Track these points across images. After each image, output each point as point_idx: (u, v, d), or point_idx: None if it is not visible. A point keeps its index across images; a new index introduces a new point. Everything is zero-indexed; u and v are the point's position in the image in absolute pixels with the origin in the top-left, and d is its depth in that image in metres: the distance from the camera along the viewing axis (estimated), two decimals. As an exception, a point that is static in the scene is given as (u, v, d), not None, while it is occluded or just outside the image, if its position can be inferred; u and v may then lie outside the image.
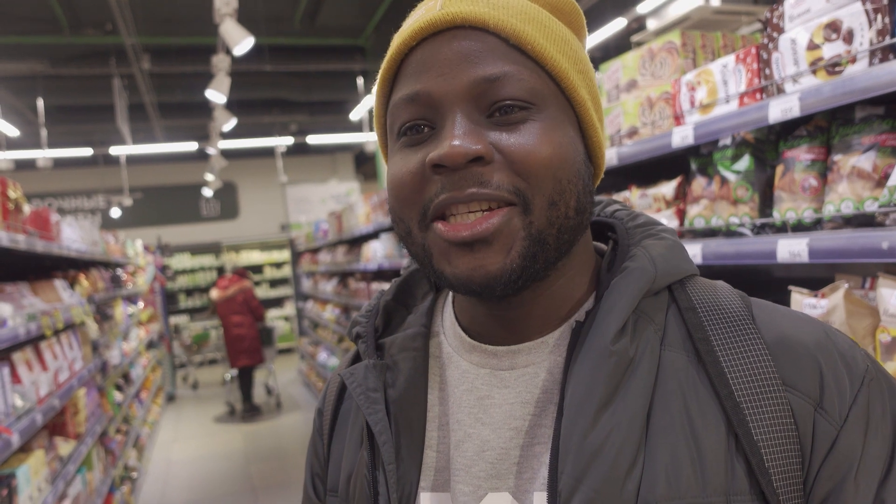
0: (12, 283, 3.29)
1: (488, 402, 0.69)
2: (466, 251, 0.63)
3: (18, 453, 2.83)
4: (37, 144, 10.70)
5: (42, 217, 3.56)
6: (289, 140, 12.92)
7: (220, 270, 13.95)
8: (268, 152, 13.72)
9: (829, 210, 1.49)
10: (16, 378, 2.77)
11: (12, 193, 2.92)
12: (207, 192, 13.76)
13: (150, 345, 8.71)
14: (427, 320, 0.78)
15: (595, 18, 8.29)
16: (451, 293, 0.79)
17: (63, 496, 3.30)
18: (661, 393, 0.62)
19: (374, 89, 0.71)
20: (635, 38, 4.40)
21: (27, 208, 3.23)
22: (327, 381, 0.87)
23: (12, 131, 9.86)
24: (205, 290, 14.04)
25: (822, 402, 0.60)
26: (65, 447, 3.36)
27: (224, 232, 14.33)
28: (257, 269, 14.27)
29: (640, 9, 7.45)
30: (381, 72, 0.69)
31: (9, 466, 2.63)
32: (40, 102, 9.45)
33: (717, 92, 1.77)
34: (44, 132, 9.90)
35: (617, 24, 7.90)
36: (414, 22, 0.66)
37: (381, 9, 8.38)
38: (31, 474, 2.71)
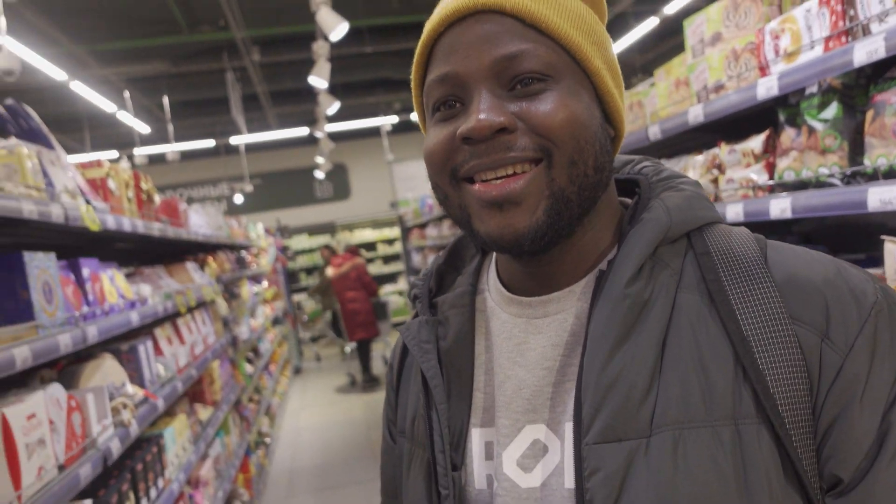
0: (150, 266, 3.68)
1: (524, 347, 0.78)
2: (496, 211, 0.70)
3: (164, 417, 3.19)
4: (165, 139, 11.60)
5: (171, 206, 3.92)
6: (394, 119, 13.22)
7: (330, 249, 14.60)
8: (374, 132, 14.11)
9: (922, 154, 1.43)
10: (158, 350, 3.11)
11: (144, 185, 3.25)
12: (320, 175, 14.37)
13: (276, 321, 9.32)
14: (474, 279, 0.87)
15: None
16: (494, 255, 0.87)
17: (205, 456, 3.68)
18: (675, 331, 0.68)
19: (412, 72, 0.80)
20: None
21: (158, 199, 3.58)
22: (395, 341, 0.98)
23: (144, 129, 10.75)
24: (323, 268, 14.75)
25: (829, 333, 0.65)
26: (203, 412, 3.74)
27: (338, 212, 14.95)
28: (371, 246, 14.80)
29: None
30: (415, 56, 0.78)
31: (157, 428, 2.98)
32: (166, 100, 10.22)
33: (801, 38, 1.71)
34: (170, 127, 10.70)
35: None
36: (441, 10, 0.74)
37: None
38: (176, 435, 3.05)
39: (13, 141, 2.01)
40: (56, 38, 8.18)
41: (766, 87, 1.80)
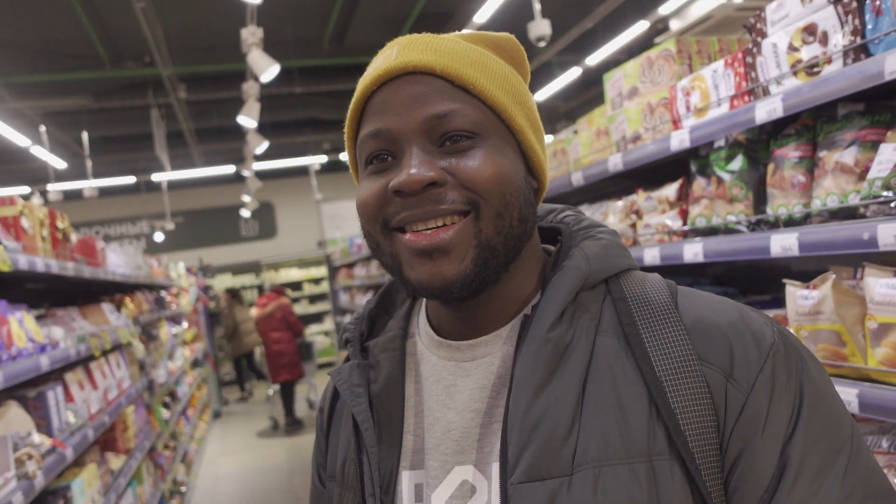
0: (63, 307, 3.50)
1: (453, 390, 0.80)
2: (426, 259, 0.74)
3: (73, 467, 3.01)
4: (83, 175, 11.16)
5: (88, 245, 3.77)
6: (322, 158, 13.19)
7: (260, 289, 14.28)
8: (302, 171, 14.03)
9: (816, 205, 1.55)
10: (68, 396, 2.95)
11: (60, 224, 3.13)
12: (245, 213, 14.11)
13: (195, 363, 8.98)
14: (404, 323, 0.89)
15: (617, 22, 8.32)
16: (424, 300, 0.90)
17: (116, 508, 3.48)
18: (594, 372, 0.72)
19: (346, 126, 0.83)
20: (658, 39, 4.45)
21: (74, 237, 3.44)
22: (327, 384, 0.98)
23: (60, 164, 10.32)
24: (247, 308, 14.37)
25: (733, 373, 0.70)
26: (115, 461, 3.55)
27: (263, 251, 14.67)
28: (296, 285, 14.56)
29: (663, 10, 7.46)
30: (349, 111, 0.81)
31: (64, 479, 2.80)
32: (85, 135, 9.87)
33: (709, 96, 1.85)
34: (89, 163, 10.33)
35: (640, 27, 7.92)
36: (375, 69, 0.78)
37: (407, 25, 8.56)
38: (85, 486, 2.88)
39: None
40: (-34, 69, 7.82)
41: (679, 140, 1.92)
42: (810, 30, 1.50)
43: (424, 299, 0.89)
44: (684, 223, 2.05)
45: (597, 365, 0.72)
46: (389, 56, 0.77)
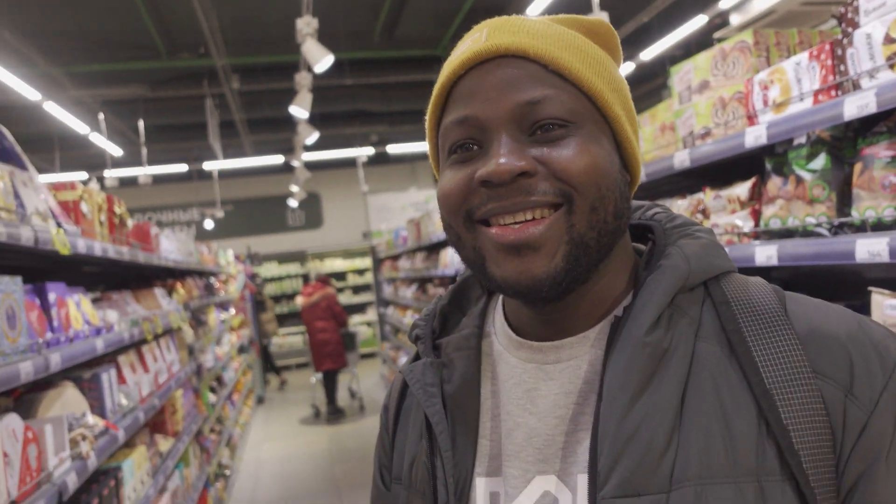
0: (117, 291, 3.57)
1: (535, 394, 0.75)
2: (514, 255, 0.68)
3: (123, 448, 3.06)
4: (138, 162, 11.44)
5: (143, 230, 3.83)
6: (370, 150, 13.25)
7: (306, 278, 14.45)
8: (350, 163, 14.12)
9: (910, 208, 1.44)
10: (121, 379, 3.00)
11: (118, 209, 3.17)
12: (293, 203, 14.28)
13: (241, 349, 9.13)
14: (480, 321, 0.84)
15: (675, 16, 8.11)
16: (501, 297, 0.85)
17: (163, 489, 3.53)
18: (695, 381, 0.66)
19: (428, 112, 0.78)
20: (718, 34, 4.31)
21: (130, 223, 3.49)
22: (392, 380, 0.94)
23: (116, 151, 10.59)
24: (291, 296, 14.57)
25: (853, 389, 0.63)
26: (164, 444, 3.60)
27: (309, 241, 14.84)
28: (340, 276, 14.68)
29: (723, 4, 7.24)
30: (433, 97, 0.76)
31: (115, 460, 2.85)
32: (141, 123, 10.11)
33: (790, 90, 1.74)
34: (144, 151, 10.57)
35: (698, 22, 7.70)
36: (462, 53, 0.72)
37: (458, 19, 8.50)
38: (135, 468, 2.92)
39: (-16, 158, 1.94)
40: (32, 59, 8.06)
41: (755, 136, 1.81)
42: (911, 19, 1.39)
43: (501, 296, 0.85)
44: (756, 224, 1.95)
45: (697, 373, 0.66)
46: (478, 39, 0.72)
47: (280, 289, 14.67)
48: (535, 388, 0.75)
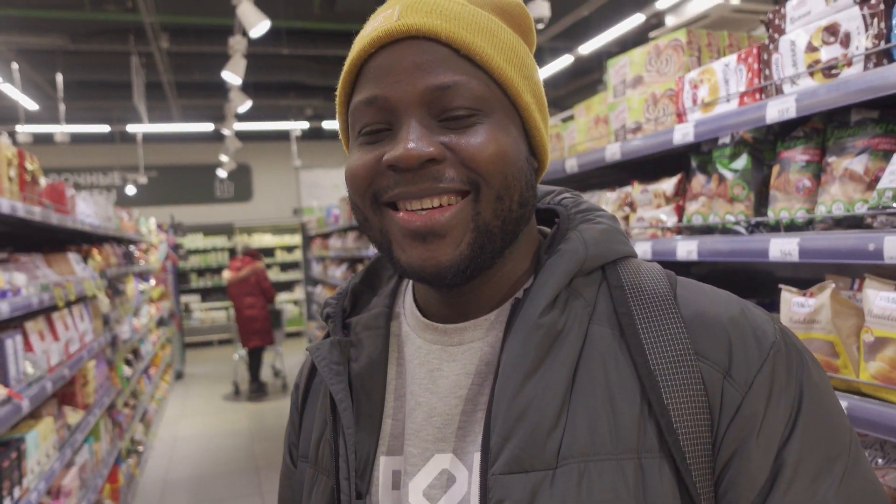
0: (27, 253, 3.37)
1: (437, 374, 0.76)
2: (419, 242, 0.69)
3: (28, 419, 2.91)
4: (55, 119, 10.81)
5: (57, 190, 3.63)
6: (304, 124, 12.96)
7: (232, 252, 14.09)
8: (283, 136, 13.78)
9: (820, 211, 1.52)
10: (28, 346, 2.85)
11: (29, 166, 2.99)
12: (222, 174, 13.85)
13: (161, 322, 8.83)
14: (390, 301, 0.85)
15: (613, 13, 8.26)
16: None
17: (70, 463, 3.39)
18: (586, 362, 0.69)
19: (338, 88, 0.77)
20: (653, 34, 4.41)
21: (43, 181, 3.30)
22: (304, 359, 0.93)
23: (31, 105, 9.98)
24: (216, 270, 14.18)
25: (730, 370, 0.66)
26: (73, 416, 3.45)
27: (237, 214, 14.44)
28: (269, 252, 14.38)
29: (659, 5, 7.42)
30: (343, 74, 0.75)
31: (18, 431, 2.71)
32: (59, 77, 9.54)
33: (718, 90, 1.80)
34: (62, 107, 9.99)
35: (635, 20, 7.87)
36: (373, 30, 0.71)
37: (400, -4, 8.39)
38: (40, 440, 2.79)
39: None
40: (-62, -3, 7.47)
41: (683, 133, 1.87)
42: (832, 30, 1.46)
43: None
44: (680, 220, 2.02)
45: (589, 354, 0.69)
46: (390, 16, 0.71)
47: (205, 262, 14.24)
48: (437, 368, 0.76)
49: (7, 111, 11.00)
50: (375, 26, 0.71)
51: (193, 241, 14.14)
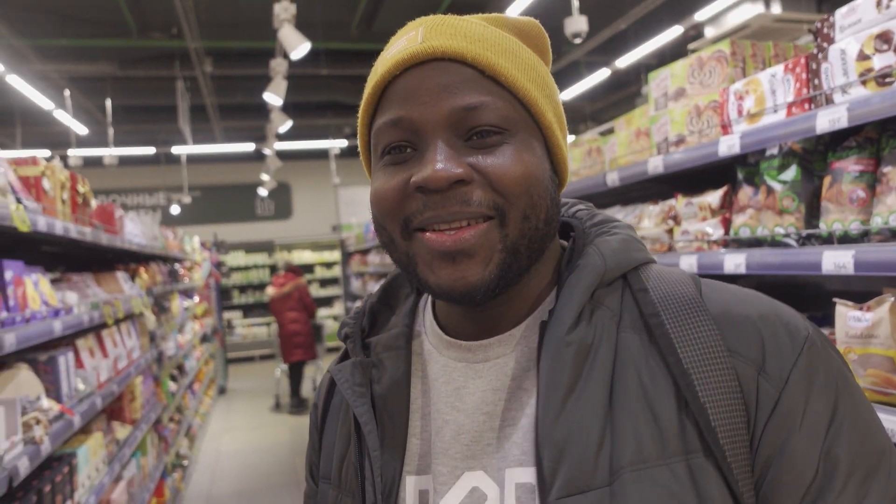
0: (78, 273, 3.47)
1: (463, 392, 0.76)
2: (448, 262, 0.69)
3: (79, 434, 2.99)
4: (104, 143, 11.18)
5: (107, 212, 3.74)
6: (342, 143, 13.15)
7: (273, 269, 14.30)
8: (321, 154, 13.99)
9: (876, 222, 1.47)
10: (79, 363, 2.92)
11: (81, 188, 3.09)
12: (262, 192, 14.10)
13: (204, 338, 8.99)
14: (409, 321, 0.85)
15: (651, 25, 8.20)
16: (430, 296, 0.86)
17: (119, 478, 3.46)
18: (620, 371, 0.68)
19: (360, 110, 0.77)
20: (692, 45, 4.36)
21: (94, 203, 3.41)
22: (321, 379, 0.94)
23: (82, 130, 10.33)
24: (257, 287, 14.40)
25: (765, 366, 0.66)
26: (121, 431, 3.52)
27: (277, 231, 14.67)
28: (308, 268, 14.54)
29: (698, 16, 7.34)
30: (365, 96, 0.75)
31: (70, 446, 2.78)
32: (108, 102, 9.87)
33: (764, 101, 1.77)
34: (111, 131, 10.33)
35: (673, 32, 7.80)
36: (397, 53, 0.72)
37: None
38: (90, 455, 2.85)
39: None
40: (-5, 27, 7.81)
41: (728, 145, 1.84)
42: (885, 37, 1.42)
43: (430, 296, 0.86)
44: (726, 232, 1.98)
45: (622, 364, 0.69)
46: (414, 39, 0.72)
47: (246, 279, 14.49)
48: (463, 386, 0.76)
49: (59, 136, 11.42)
50: (400, 48, 0.72)
51: (235, 258, 14.40)
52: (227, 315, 13.65)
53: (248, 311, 14.46)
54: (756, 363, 0.65)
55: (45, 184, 2.59)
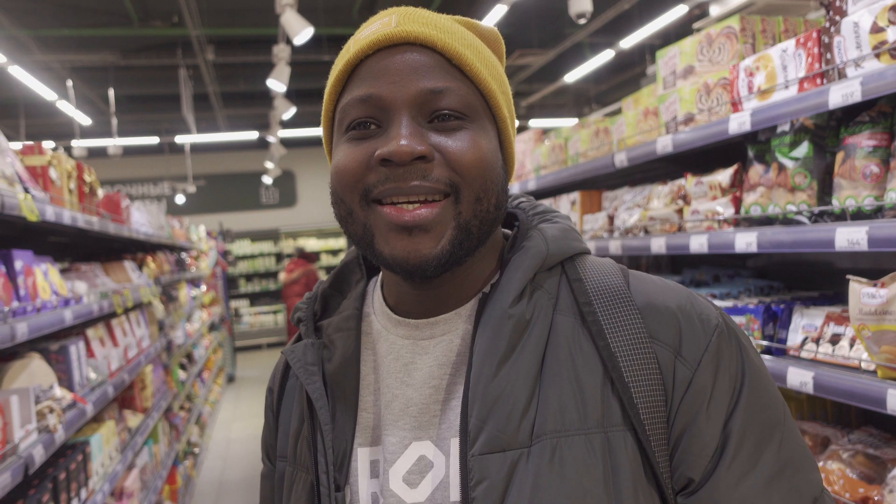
0: (85, 262, 3.48)
1: (411, 367, 0.81)
2: (405, 235, 0.73)
3: (91, 423, 3.00)
4: (107, 133, 11.16)
5: (114, 201, 3.74)
6: (346, 129, 13.08)
7: (279, 256, 14.33)
8: (325, 141, 13.93)
9: (891, 198, 1.46)
10: (90, 352, 2.93)
11: (87, 178, 3.09)
12: (267, 180, 14.09)
13: (212, 327, 9.02)
14: (359, 303, 0.89)
15: (655, 5, 8.12)
16: (379, 279, 0.91)
17: (132, 465, 3.48)
18: (552, 348, 0.75)
19: (327, 86, 0.81)
20: (697, 24, 4.31)
21: (101, 192, 3.41)
22: (276, 363, 0.97)
23: (85, 120, 10.32)
24: (263, 275, 14.43)
25: (681, 350, 0.74)
26: (133, 419, 3.54)
27: (282, 219, 14.67)
28: (315, 256, 14.58)
29: (703, -6, 7.26)
30: (335, 74, 0.79)
31: (83, 434, 2.80)
32: (111, 92, 9.85)
33: (775, 77, 1.74)
34: (114, 121, 10.32)
35: (678, 11, 7.72)
36: (371, 33, 0.76)
37: (437, 1, 8.41)
38: (103, 443, 2.87)
39: (-51, 118, 1.86)
40: (-3, 19, 7.78)
41: (739, 123, 1.82)
42: (899, 9, 1.40)
43: (380, 279, 0.91)
44: (737, 211, 1.96)
45: (555, 341, 0.75)
46: (388, 23, 0.76)
47: (252, 267, 14.52)
48: (411, 361, 0.81)
49: (63, 127, 11.42)
50: (373, 30, 0.76)
51: (241, 247, 14.42)
52: (233, 304, 13.70)
53: (254, 299, 14.50)
54: (674, 348, 0.74)
55: (52, 173, 2.59)
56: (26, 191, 2.20)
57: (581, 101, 13.02)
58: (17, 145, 2.55)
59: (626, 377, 0.72)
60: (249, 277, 14.59)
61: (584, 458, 0.70)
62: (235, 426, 7.59)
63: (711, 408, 0.72)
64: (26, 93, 9.21)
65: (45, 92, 8.63)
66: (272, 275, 14.70)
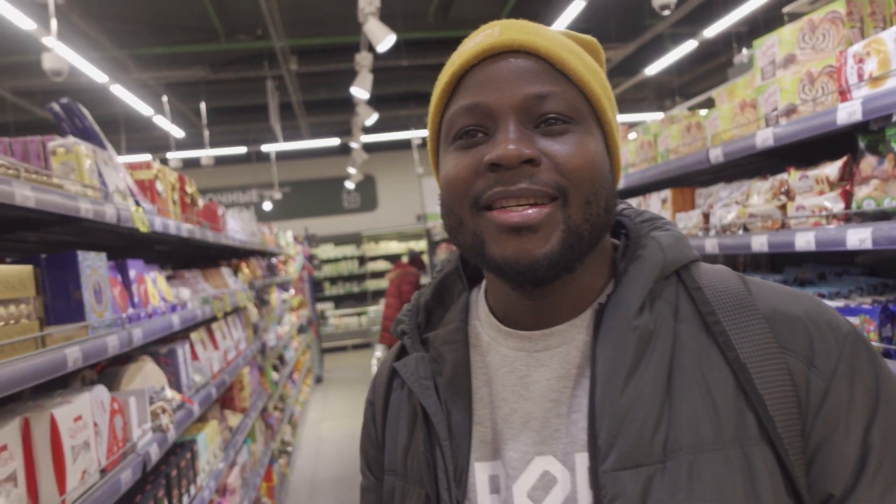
0: (186, 269, 3.66)
1: (528, 380, 0.80)
2: (513, 236, 0.73)
3: (197, 423, 3.16)
4: (200, 144, 11.71)
5: (211, 210, 3.92)
6: (424, 132, 13.22)
7: (361, 260, 14.63)
8: (404, 145, 14.14)
9: None
10: (194, 355, 3.09)
11: (189, 189, 3.25)
12: (349, 185, 14.41)
13: (301, 329, 9.31)
14: (465, 315, 0.89)
15: (742, -10, 7.79)
16: (482, 290, 0.90)
17: (233, 463, 3.64)
18: (679, 360, 0.73)
19: (433, 100, 0.83)
20: (787, 9, 4.11)
21: (200, 202, 3.58)
22: (375, 375, 0.97)
23: (179, 133, 10.87)
24: (347, 278, 14.77)
25: (814, 360, 0.71)
26: (233, 419, 3.70)
27: (364, 223, 14.97)
28: (395, 258, 14.79)
29: (794, -23, 6.92)
30: (441, 85, 0.81)
31: (190, 434, 2.94)
32: (202, 105, 10.33)
33: (889, 63, 1.64)
34: (206, 133, 10.81)
35: (767, -5, 7.38)
36: (476, 44, 0.78)
37: (512, 1, 8.38)
38: (209, 441, 3.01)
39: (71, 139, 2.00)
40: (98, 42, 8.31)
41: (849, 112, 1.72)
42: None
43: (483, 290, 0.90)
44: (847, 206, 1.86)
45: (680, 352, 0.74)
46: (491, 34, 0.78)
47: (336, 270, 14.88)
48: (527, 374, 0.80)
49: (159, 140, 12.07)
50: (478, 41, 0.78)
51: (325, 251, 14.82)
52: (319, 306, 14.08)
53: (339, 301, 14.86)
54: (806, 358, 0.71)
55: (158, 186, 2.74)
56: (137, 204, 2.34)
57: (663, 93, 12.67)
58: (125, 159, 2.71)
59: (759, 389, 0.70)
60: (334, 280, 14.96)
61: (722, 475, 0.68)
62: (325, 426, 7.81)
63: (850, 420, 0.69)
64: (126, 109, 9.79)
65: (143, 108, 9.14)
66: (355, 278, 15.02)
